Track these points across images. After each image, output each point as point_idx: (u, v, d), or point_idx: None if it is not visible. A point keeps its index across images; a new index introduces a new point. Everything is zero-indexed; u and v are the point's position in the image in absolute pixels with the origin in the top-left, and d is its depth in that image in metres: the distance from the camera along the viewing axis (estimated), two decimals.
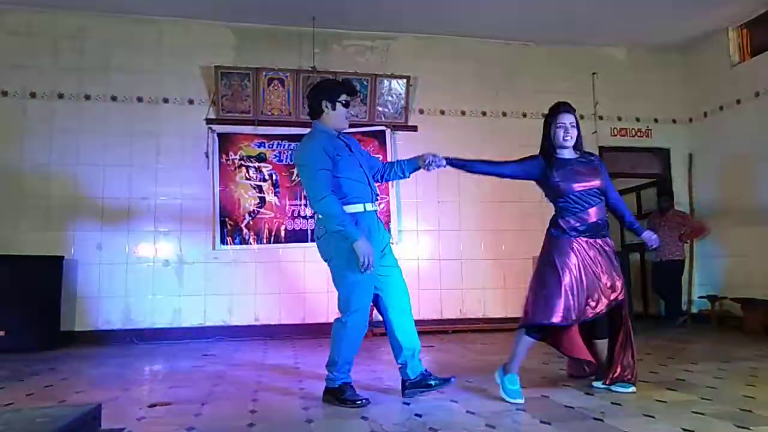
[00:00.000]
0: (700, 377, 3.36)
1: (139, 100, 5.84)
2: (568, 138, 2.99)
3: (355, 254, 2.72)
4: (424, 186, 6.28)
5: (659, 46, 6.87)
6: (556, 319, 2.82)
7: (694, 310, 6.65)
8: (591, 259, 2.94)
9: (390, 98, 6.28)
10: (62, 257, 5.33)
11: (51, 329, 5.13)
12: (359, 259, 2.70)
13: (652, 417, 2.49)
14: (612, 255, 3.01)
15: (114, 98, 5.81)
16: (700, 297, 6.58)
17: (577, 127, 3.03)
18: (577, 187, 2.96)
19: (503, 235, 6.40)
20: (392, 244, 5.96)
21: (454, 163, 3.15)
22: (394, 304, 2.98)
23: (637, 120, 6.94)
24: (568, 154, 3.05)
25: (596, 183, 2.99)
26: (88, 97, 5.76)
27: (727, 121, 6.50)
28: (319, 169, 2.77)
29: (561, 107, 3.04)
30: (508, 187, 6.52)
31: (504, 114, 6.59)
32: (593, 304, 2.90)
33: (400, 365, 2.98)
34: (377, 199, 3.03)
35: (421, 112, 6.43)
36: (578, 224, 2.95)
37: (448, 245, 6.32)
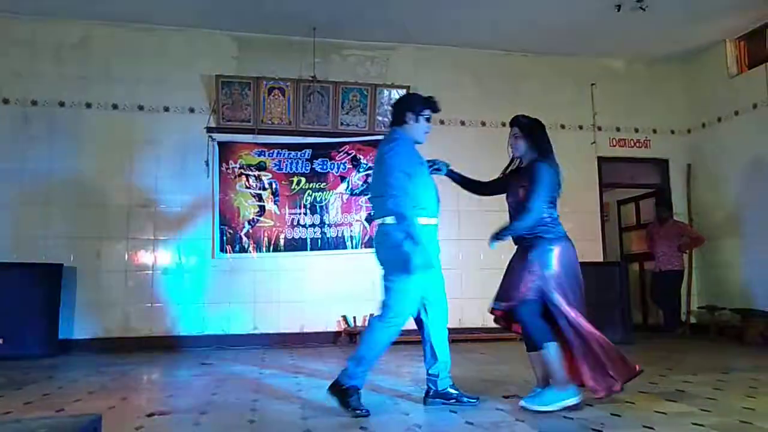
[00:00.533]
0: (699, 388, 3.35)
1: (140, 108, 5.86)
2: (514, 147, 3.16)
3: (409, 259, 2.77)
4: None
5: (658, 57, 6.92)
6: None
7: (692, 320, 6.65)
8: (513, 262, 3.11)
9: (390, 108, 6.29)
10: (61, 265, 5.33)
11: (50, 337, 5.11)
12: (414, 263, 2.76)
13: (652, 428, 2.49)
14: (525, 262, 2.99)
15: (115, 106, 5.83)
16: (699, 307, 6.58)
17: (527, 137, 3.10)
18: (508, 198, 3.19)
19: (503, 245, 6.38)
20: None
21: (452, 175, 3.46)
22: (438, 317, 3.08)
23: (636, 131, 6.97)
24: (521, 165, 3.19)
25: (518, 196, 3.08)
26: (89, 106, 5.78)
27: (725, 132, 6.53)
28: (400, 170, 2.86)
29: (511, 120, 3.21)
30: None
31: (503, 124, 6.57)
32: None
33: (430, 375, 3.03)
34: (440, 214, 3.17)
35: None
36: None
37: (447, 254, 6.23)
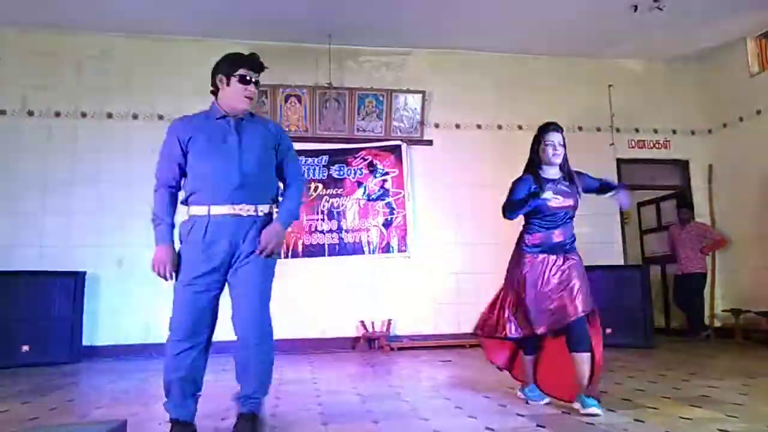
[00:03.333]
0: (725, 394, 3.29)
1: (160, 117, 5.95)
2: (557, 155, 3.08)
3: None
4: (441, 200, 6.29)
5: (677, 57, 6.83)
6: (510, 333, 3.08)
7: (717, 323, 6.53)
8: (545, 277, 3.03)
9: (405, 113, 6.32)
10: (84, 273, 5.42)
11: (73, 343, 5.20)
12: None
13: None
14: (572, 272, 2.99)
15: (135, 116, 5.94)
16: (724, 310, 6.46)
17: (564, 146, 3.12)
18: (553, 206, 3.06)
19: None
20: (408, 258, 6.08)
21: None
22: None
23: (655, 132, 6.89)
24: (553, 172, 3.13)
25: (570, 203, 3.08)
26: (110, 116, 5.89)
27: (747, 131, 6.42)
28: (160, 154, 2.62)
29: (550, 126, 3.14)
30: None
31: (520, 127, 6.58)
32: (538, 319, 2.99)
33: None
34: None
35: (437, 126, 6.46)
36: (542, 242, 3.06)
37: (465, 259, 6.29)
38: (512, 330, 3.08)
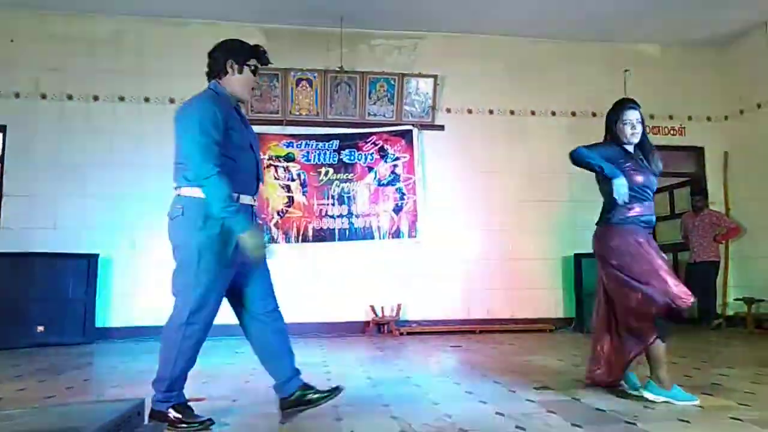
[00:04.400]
0: (737, 382, 3.27)
1: (171, 101, 5.96)
2: (635, 133, 2.98)
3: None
4: (452, 185, 6.26)
5: (694, 42, 6.71)
6: (676, 299, 2.75)
7: (729, 312, 6.49)
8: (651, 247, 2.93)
9: (417, 97, 6.28)
10: (98, 255, 5.48)
11: (87, 324, 5.28)
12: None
13: (688, 422, 2.44)
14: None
15: (147, 99, 5.95)
16: (736, 299, 6.41)
17: (643, 123, 3.02)
18: (640, 180, 2.93)
19: (532, 235, 6.33)
20: (418, 243, 6.08)
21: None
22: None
23: (671, 118, 6.80)
24: (631, 150, 3.03)
25: (652, 181, 2.99)
26: (122, 99, 5.91)
27: (765, 118, 6.32)
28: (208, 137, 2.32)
29: (626, 103, 3.03)
30: (537, 187, 6.49)
31: (533, 113, 6.52)
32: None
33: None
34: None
35: (449, 111, 6.41)
36: (639, 214, 2.92)
37: (475, 245, 6.28)
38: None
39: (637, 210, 2.92)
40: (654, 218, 3.01)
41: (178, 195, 2.49)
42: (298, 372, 2.60)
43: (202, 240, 2.40)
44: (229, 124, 2.38)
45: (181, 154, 2.45)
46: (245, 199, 2.43)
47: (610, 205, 2.95)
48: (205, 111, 2.36)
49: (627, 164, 2.95)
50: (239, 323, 2.72)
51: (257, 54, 2.54)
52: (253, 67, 2.52)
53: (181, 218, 2.45)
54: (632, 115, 2.98)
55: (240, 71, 2.50)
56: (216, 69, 2.55)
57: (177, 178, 2.51)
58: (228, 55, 2.53)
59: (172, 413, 2.41)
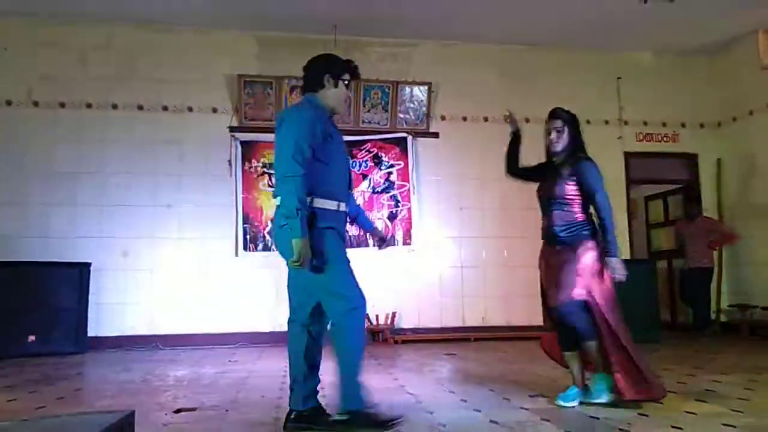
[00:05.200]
0: (730, 388, 3.27)
1: (164, 109, 5.95)
2: (553, 143, 3.02)
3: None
4: (446, 192, 6.27)
5: (686, 49, 6.76)
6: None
7: (723, 319, 6.50)
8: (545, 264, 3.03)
9: (412, 105, 6.29)
10: (89, 264, 5.44)
11: (79, 334, 5.23)
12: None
13: (681, 429, 2.43)
14: (565, 264, 2.89)
15: (140, 107, 5.93)
16: (730, 306, 6.43)
17: (569, 130, 3.02)
18: (539, 193, 3.08)
19: (526, 242, 6.31)
20: (412, 250, 6.07)
21: (516, 139, 3.33)
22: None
23: (664, 125, 6.83)
24: (559, 159, 3.05)
25: (553, 191, 2.96)
26: (115, 107, 5.89)
27: (757, 125, 6.36)
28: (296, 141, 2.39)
29: (550, 112, 3.08)
30: (532, 194, 6.46)
31: (527, 120, 6.49)
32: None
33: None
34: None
35: (443, 118, 6.42)
36: (543, 229, 3.05)
37: (470, 252, 6.28)
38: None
39: (543, 223, 3.04)
40: (554, 229, 2.95)
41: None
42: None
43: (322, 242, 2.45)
44: (327, 132, 2.50)
45: (281, 163, 2.46)
46: (331, 204, 2.50)
47: None
48: (304, 118, 2.46)
49: (544, 175, 3.07)
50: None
51: (350, 69, 2.67)
52: (347, 81, 2.64)
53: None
54: (550, 124, 3.03)
55: (335, 85, 2.61)
56: (312, 83, 2.63)
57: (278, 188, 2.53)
58: (325, 70, 2.62)
59: (368, 410, 2.45)
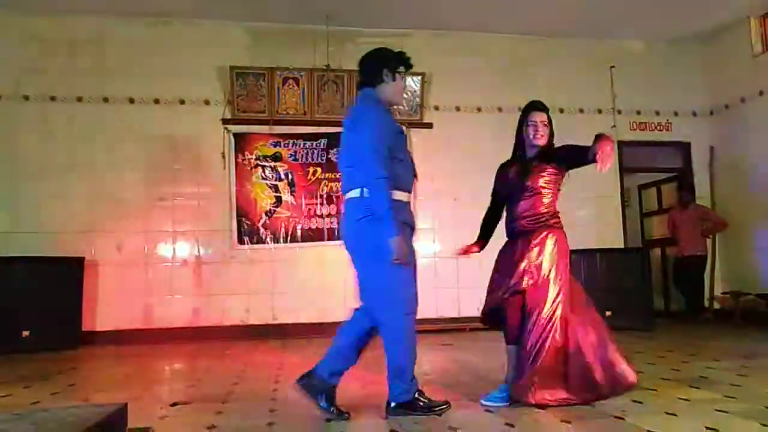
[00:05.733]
0: (723, 375, 3.30)
1: (156, 101, 5.90)
2: (539, 136, 2.91)
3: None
4: (441, 182, 6.25)
5: (678, 37, 6.75)
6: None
7: (716, 306, 6.54)
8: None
9: (405, 95, 6.25)
10: (83, 258, 5.41)
11: (73, 329, 5.21)
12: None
13: (675, 415, 2.45)
14: (524, 252, 2.86)
15: (132, 100, 5.88)
16: (723, 293, 6.47)
17: (550, 124, 2.96)
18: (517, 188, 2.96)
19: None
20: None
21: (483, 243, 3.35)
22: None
23: (657, 114, 6.84)
24: (531, 154, 2.97)
25: (524, 183, 2.90)
26: (106, 100, 5.83)
27: (749, 113, 6.37)
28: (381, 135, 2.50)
29: (533, 105, 3.00)
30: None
31: (520, 109, 6.50)
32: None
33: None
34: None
35: (437, 108, 6.40)
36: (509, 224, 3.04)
37: (465, 242, 6.25)
38: None
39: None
40: (515, 224, 2.95)
41: (361, 197, 2.56)
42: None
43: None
44: (397, 129, 2.60)
45: (356, 157, 2.53)
46: (404, 196, 2.62)
47: None
48: (381, 119, 2.54)
49: (511, 169, 3.00)
50: None
51: (404, 61, 2.70)
52: (402, 76, 2.69)
53: (372, 218, 2.52)
54: (536, 117, 2.93)
55: (393, 79, 2.66)
56: (371, 78, 2.67)
57: (354, 182, 2.59)
58: (383, 64, 2.66)
59: (421, 399, 2.58)
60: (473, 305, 6.17)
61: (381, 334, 2.65)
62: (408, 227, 2.63)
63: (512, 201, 2.97)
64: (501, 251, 3.04)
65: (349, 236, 2.68)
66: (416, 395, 2.60)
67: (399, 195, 2.58)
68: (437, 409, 2.60)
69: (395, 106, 2.80)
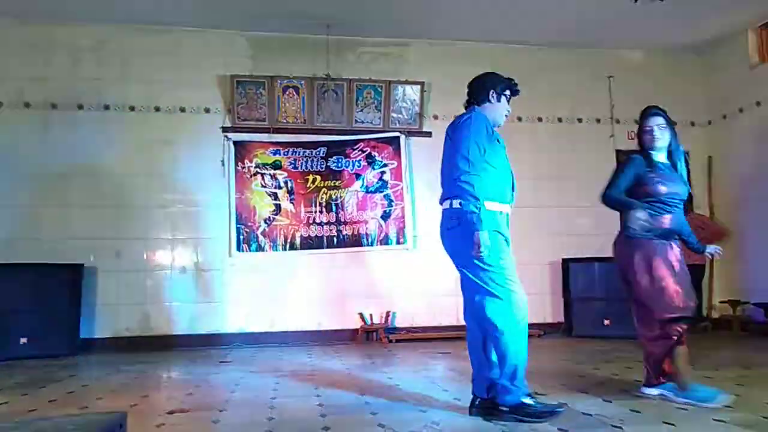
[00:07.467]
0: (721, 384, 3.29)
1: (157, 109, 5.92)
2: (658, 139, 3.01)
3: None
4: (439, 192, 6.25)
5: (677, 47, 6.80)
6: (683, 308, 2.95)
7: (714, 315, 6.54)
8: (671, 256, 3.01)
9: (404, 104, 6.30)
10: (82, 265, 5.41)
11: (71, 336, 5.20)
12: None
13: (673, 425, 2.46)
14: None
15: (132, 108, 5.90)
16: (722, 302, 6.47)
17: (670, 127, 3.04)
18: (664, 190, 2.97)
19: (519, 241, 6.29)
20: (406, 250, 6.09)
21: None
22: None
23: None
24: (661, 156, 3.06)
25: (679, 190, 3.01)
26: (107, 108, 5.86)
27: (747, 123, 6.40)
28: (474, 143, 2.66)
29: (649, 110, 3.08)
30: (524, 193, 6.47)
31: (519, 119, 6.54)
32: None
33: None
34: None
35: (436, 117, 6.42)
36: (653, 227, 2.94)
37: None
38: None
39: (658, 221, 2.96)
40: (678, 227, 3.03)
41: (450, 208, 2.71)
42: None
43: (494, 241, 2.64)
44: (494, 138, 2.75)
45: (453, 165, 2.67)
46: (497, 207, 2.68)
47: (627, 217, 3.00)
48: (479, 119, 2.72)
49: (651, 174, 2.98)
50: None
51: (512, 86, 2.91)
52: (508, 97, 2.89)
53: (459, 226, 2.66)
54: (653, 122, 3.02)
55: (498, 100, 2.85)
56: (477, 97, 2.88)
57: (446, 192, 2.77)
58: (491, 86, 2.86)
59: (529, 402, 2.59)
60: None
61: (490, 335, 2.69)
62: (501, 236, 2.69)
63: (673, 205, 3.03)
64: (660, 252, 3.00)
65: (445, 246, 2.85)
66: (526, 398, 2.62)
67: (491, 205, 2.64)
68: (548, 414, 2.58)
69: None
